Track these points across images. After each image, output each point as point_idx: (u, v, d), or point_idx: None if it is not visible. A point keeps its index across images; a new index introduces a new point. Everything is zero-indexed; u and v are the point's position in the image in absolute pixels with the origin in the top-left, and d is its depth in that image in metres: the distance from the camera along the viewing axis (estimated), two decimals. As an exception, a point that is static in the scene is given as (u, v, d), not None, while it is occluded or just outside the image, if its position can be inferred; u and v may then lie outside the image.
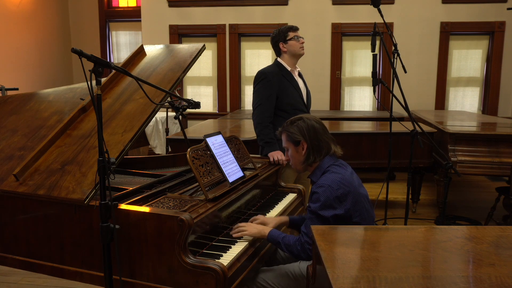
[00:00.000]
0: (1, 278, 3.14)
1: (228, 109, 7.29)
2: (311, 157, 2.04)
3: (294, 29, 3.14)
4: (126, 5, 8.52)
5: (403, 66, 3.23)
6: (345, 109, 7.13)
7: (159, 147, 5.94)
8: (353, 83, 7.11)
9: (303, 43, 3.14)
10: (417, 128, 3.12)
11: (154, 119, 5.61)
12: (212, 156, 2.20)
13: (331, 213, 1.90)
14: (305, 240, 1.90)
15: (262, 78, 3.08)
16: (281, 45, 3.13)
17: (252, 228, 2.01)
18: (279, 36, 3.14)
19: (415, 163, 4.21)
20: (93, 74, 1.62)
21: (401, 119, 4.87)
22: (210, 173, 2.11)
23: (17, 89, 5.00)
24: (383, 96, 6.91)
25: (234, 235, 1.98)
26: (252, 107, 3.14)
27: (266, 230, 2.01)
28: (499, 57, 6.73)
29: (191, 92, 7.50)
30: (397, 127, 3.88)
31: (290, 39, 3.11)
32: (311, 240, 1.80)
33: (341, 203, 1.91)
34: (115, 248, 1.70)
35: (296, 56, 3.17)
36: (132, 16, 8.20)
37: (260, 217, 2.19)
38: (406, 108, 3.07)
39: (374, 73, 3.14)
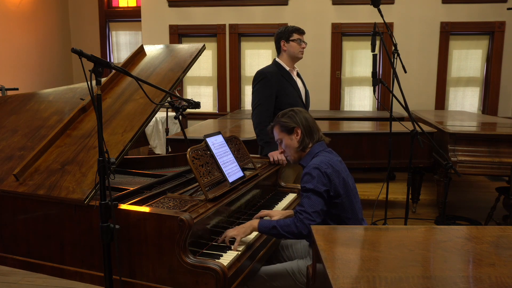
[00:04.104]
0: (1, 278, 3.14)
1: (228, 109, 7.29)
2: (305, 140, 2.13)
3: (301, 32, 3.12)
4: (126, 5, 8.51)
5: (403, 66, 3.23)
6: (345, 109, 7.13)
7: (159, 147, 5.94)
8: (353, 83, 7.11)
9: (304, 48, 3.13)
10: (417, 128, 3.12)
11: (154, 119, 5.61)
12: (212, 156, 2.20)
13: (324, 187, 1.95)
14: (305, 216, 1.91)
15: (261, 78, 3.08)
16: (282, 43, 3.12)
17: (239, 228, 1.95)
18: (283, 34, 3.12)
19: (415, 163, 4.21)
20: (93, 74, 1.62)
21: (401, 119, 4.87)
22: (210, 173, 2.11)
23: (17, 89, 5.00)
24: (383, 96, 6.91)
25: (228, 243, 1.90)
26: (252, 107, 3.14)
27: (254, 222, 1.99)
28: (499, 57, 6.73)
29: (191, 92, 7.50)
30: (397, 127, 3.88)
31: (293, 40, 3.10)
32: (312, 217, 1.89)
33: (330, 182, 1.97)
34: (115, 248, 1.70)
35: (294, 59, 3.16)
36: (132, 16, 8.20)
37: (264, 211, 2.23)
38: (406, 108, 3.07)
39: (374, 73, 3.14)
